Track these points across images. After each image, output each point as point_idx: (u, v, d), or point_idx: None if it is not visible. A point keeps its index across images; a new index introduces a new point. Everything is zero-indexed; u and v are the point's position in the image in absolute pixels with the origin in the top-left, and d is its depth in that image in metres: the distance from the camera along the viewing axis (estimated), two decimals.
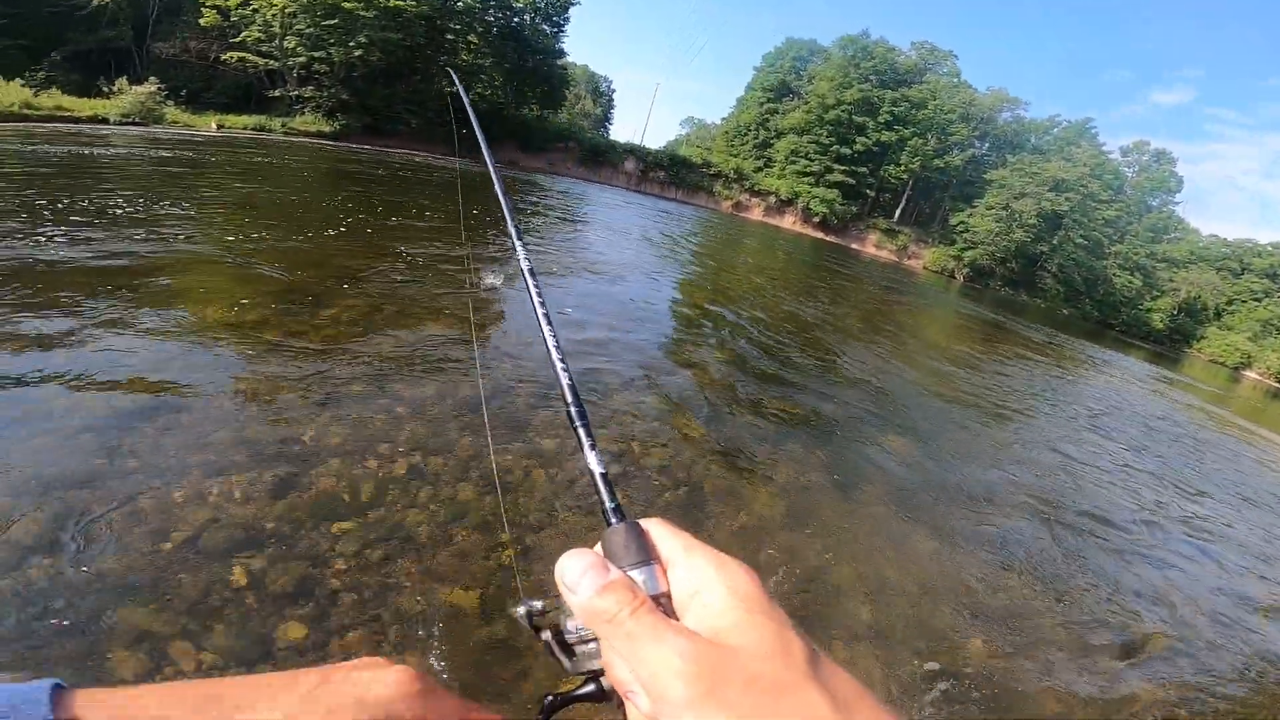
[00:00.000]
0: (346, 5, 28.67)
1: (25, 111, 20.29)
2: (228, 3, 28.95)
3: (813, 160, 51.07)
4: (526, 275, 0.58)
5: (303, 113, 29.83)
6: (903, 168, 51.29)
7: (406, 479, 3.30)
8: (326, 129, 29.27)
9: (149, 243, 6.60)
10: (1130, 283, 52.67)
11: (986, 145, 54.63)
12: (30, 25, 27.95)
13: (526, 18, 41.81)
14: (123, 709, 0.33)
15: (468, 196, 17.59)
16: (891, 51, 52.00)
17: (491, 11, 39.59)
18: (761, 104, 58.47)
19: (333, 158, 22.17)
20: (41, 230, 6.29)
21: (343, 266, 6.99)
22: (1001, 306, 34.92)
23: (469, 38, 38.24)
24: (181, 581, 2.37)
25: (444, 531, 2.98)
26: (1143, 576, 4.75)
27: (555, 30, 43.61)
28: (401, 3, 30.46)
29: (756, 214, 50.61)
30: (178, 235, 7.06)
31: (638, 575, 0.37)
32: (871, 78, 50.69)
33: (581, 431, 0.48)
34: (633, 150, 47.14)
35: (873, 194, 53.38)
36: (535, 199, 20.55)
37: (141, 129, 21.99)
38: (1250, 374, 47.07)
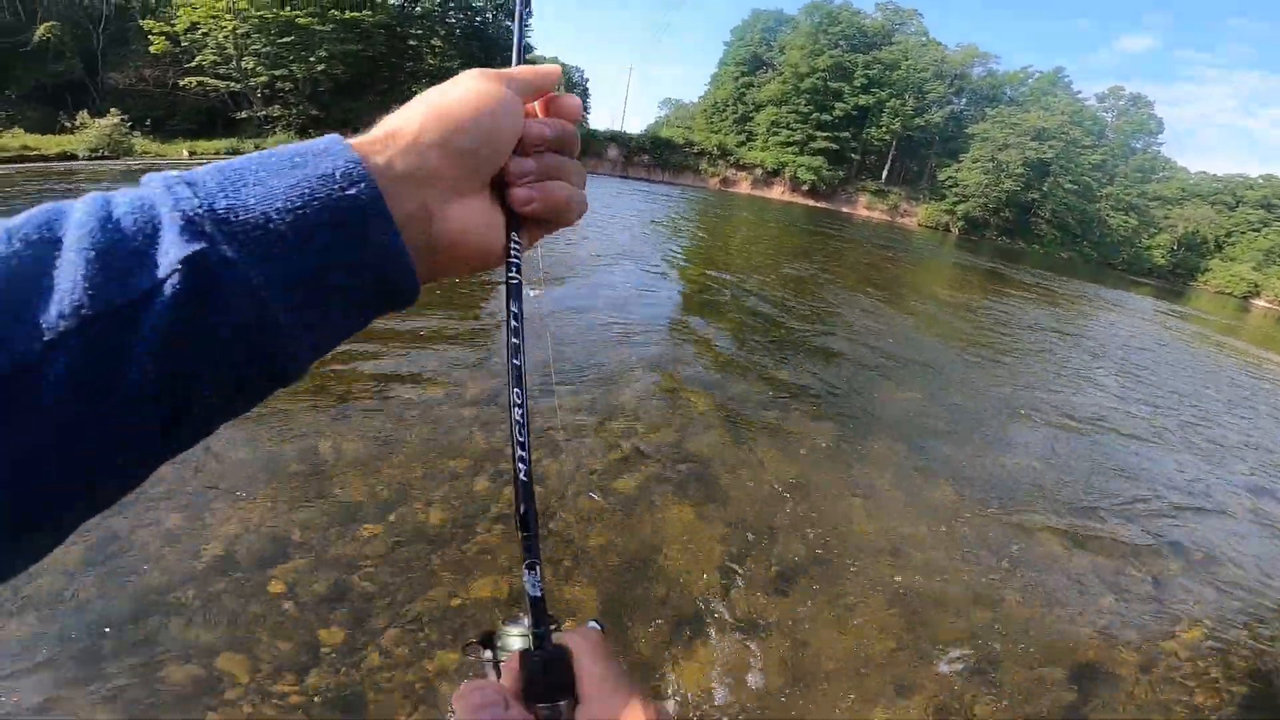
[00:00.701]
0: (301, 21, 28.22)
1: None
2: (176, 28, 28.47)
3: (794, 130, 50.85)
4: (508, 300, 0.44)
5: (274, 132, 29.49)
6: (884, 129, 51.24)
7: (424, 479, 3.35)
8: None
9: None
10: (1126, 222, 53.05)
11: (964, 101, 54.67)
12: None
13: (489, 16, 41.33)
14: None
15: None
16: (857, 15, 52.08)
17: (452, 14, 39.20)
18: (736, 79, 58.15)
19: None
20: None
21: None
22: (999, 255, 34.95)
23: (432, 42, 37.83)
24: (221, 594, 2.43)
25: (467, 528, 3.03)
26: (1173, 503, 4.81)
27: (521, 26, 43.48)
28: (358, 14, 30.02)
29: (744, 188, 50.42)
30: None
31: (545, 713, 0.37)
32: (841, 43, 50.60)
33: (526, 543, 0.42)
34: (614, 137, 46.79)
35: (858, 157, 53.24)
36: None
37: (113, 162, 21.84)
38: (1259, 302, 47.34)
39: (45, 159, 20.93)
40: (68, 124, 23.71)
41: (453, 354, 5.16)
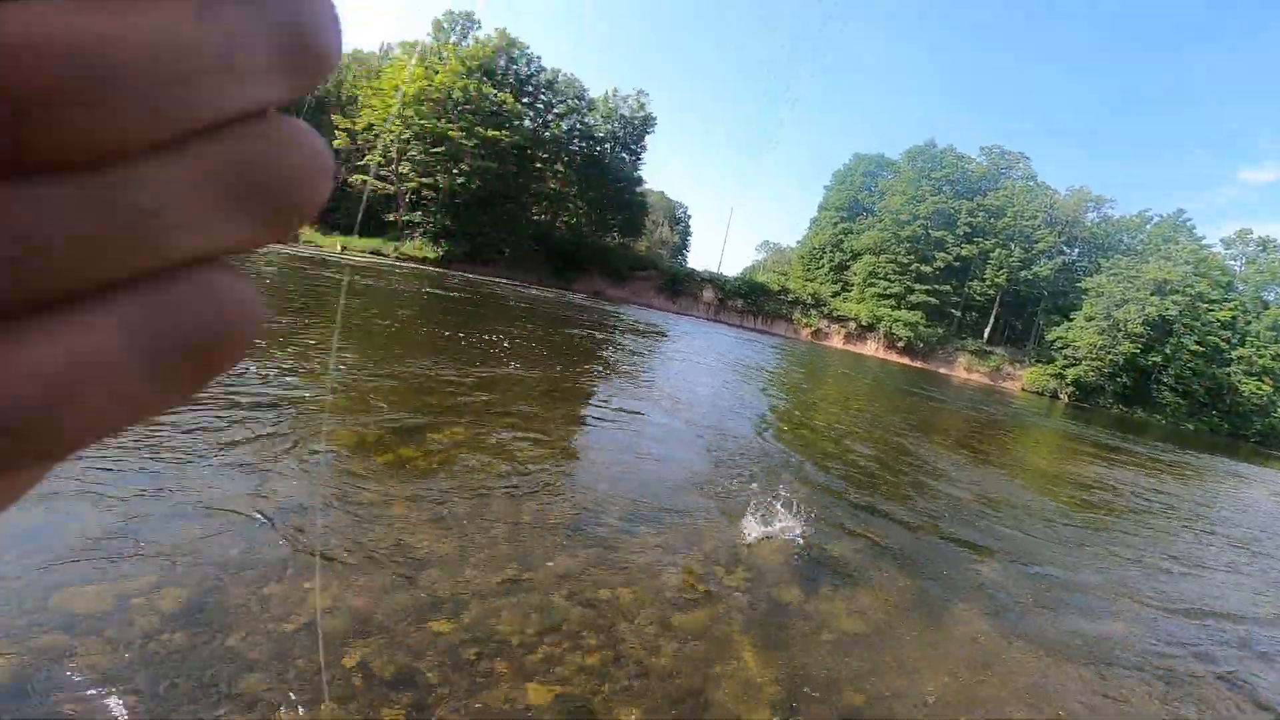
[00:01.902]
0: (452, 134, 32.22)
1: None
2: (357, 126, 33.19)
3: (892, 281, 49.28)
4: None
5: (412, 237, 32.97)
6: (988, 282, 48.92)
7: (501, 588, 3.44)
8: (431, 255, 32.06)
9: (280, 363, 7.43)
10: (1260, 389, 46.44)
11: (1076, 251, 51.25)
12: None
13: (607, 146, 44.57)
14: None
15: (555, 326, 18.71)
16: (961, 159, 50.51)
17: (576, 141, 42.89)
18: (835, 224, 58.02)
19: (436, 284, 24.26)
20: None
21: (444, 393, 7.56)
22: (1115, 425, 32.12)
23: (555, 166, 41.33)
24: (298, 661, 2.51)
25: (534, 637, 3.06)
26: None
27: (634, 158, 46.11)
28: (498, 133, 33.92)
29: (837, 341, 48.49)
30: (306, 353, 7.97)
31: None
32: (945, 189, 49.57)
33: None
34: (711, 279, 47.31)
35: (958, 313, 50.57)
36: (617, 330, 21.61)
37: (281, 247, 25.12)
38: None
39: None
40: None
41: (539, 476, 5.38)
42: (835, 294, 52.38)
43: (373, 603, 3.03)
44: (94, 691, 2.16)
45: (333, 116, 34.98)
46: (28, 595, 2.56)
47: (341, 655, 2.61)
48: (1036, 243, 48.37)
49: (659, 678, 2.99)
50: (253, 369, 6.83)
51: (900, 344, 47.06)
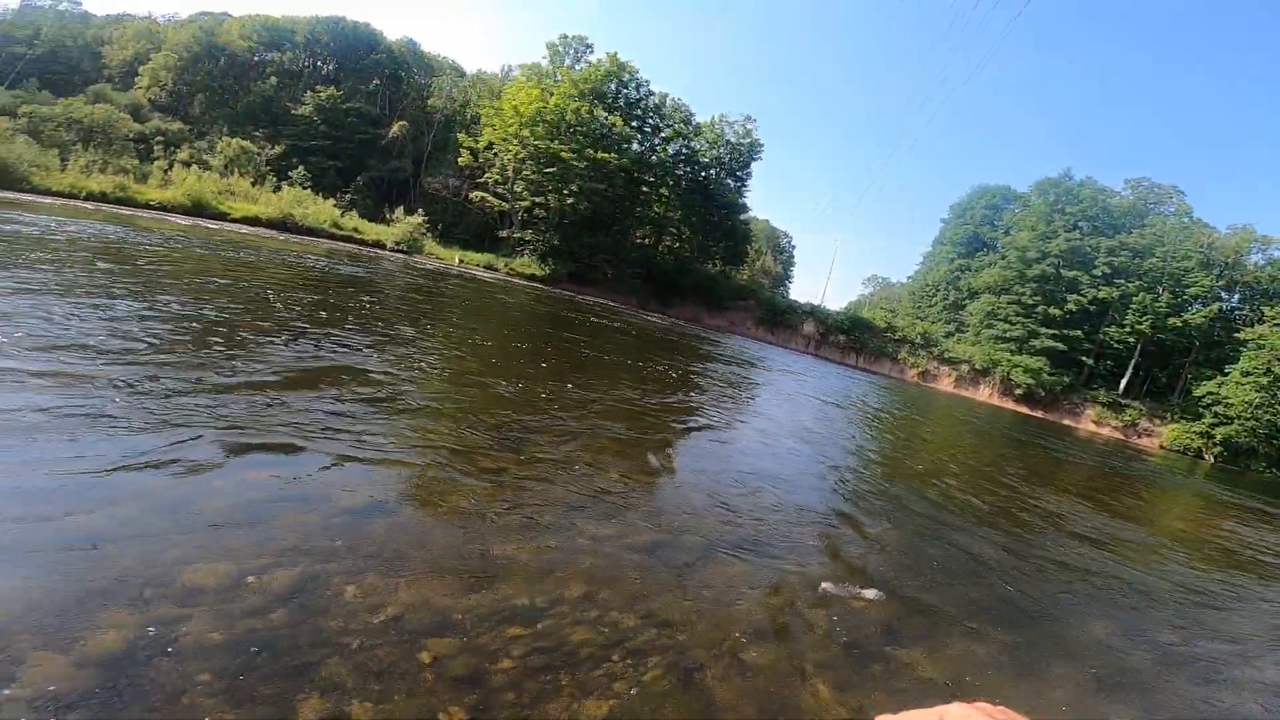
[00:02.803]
0: (564, 155, 33.46)
1: (331, 230, 26.29)
2: (479, 144, 35.29)
3: (1013, 324, 44.32)
4: None
5: (522, 255, 34.57)
6: (1128, 329, 42.45)
7: (576, 601, 3.48)
8: (539, 272, 33.40)
9: (396, 367, 7.99)
10: None
11: (1236, 296, 43.95)
12: (345, 149, 36.70)
13: (712, 172, 44.32)
14: None
15: (653, 350, 18.91)
16: (1103, 193, 45.16)
17: (682, 165, 42.93)
18: (951, 260, 54.06)
19: (542, 300, 25.30)
20: (333, 335, 7.96)
21: (542, 408, 7.81)
22: (1267, 491, 27.80)
23: (661, 190, 41.68)
24: (378, 651, 2.65)
25: (602, 652, 3.07)
26: None
27: (739, 185, 45.64)
28: (607, 155, 34.81)
29: (946, 384, 44.46)
30: (426, 358, 8.52)
31: None
32: (1081, 225, 43.91)
33: None
34: (812, 312, 45.03)
35: (1090, 361, 44.36)
36: (714, 358, 21.35)
37: (405, 256, 27.08)
38: None
39: (364, 243, 26.98)
40: (388, 216, 30.40)
41: (625, 497, 5.43)
42: (948, 334, 48.23)
43: (454, 602, 3.15)
44: (190, 664, 2.36)
45: (458, 135, 37.43)
46: (158, 568, 2.85)
47: (419, 650, 2.73)
48: (1188, 287, 41.61)
49: (721, 708, 2.93)
50: (374, 367, 7.42)
51: (1018, 391, 42.50)
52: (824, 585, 4.60)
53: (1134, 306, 42.21)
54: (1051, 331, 42.95)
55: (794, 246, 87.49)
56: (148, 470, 3.72)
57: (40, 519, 3.01)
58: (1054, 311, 43.28)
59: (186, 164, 26.97)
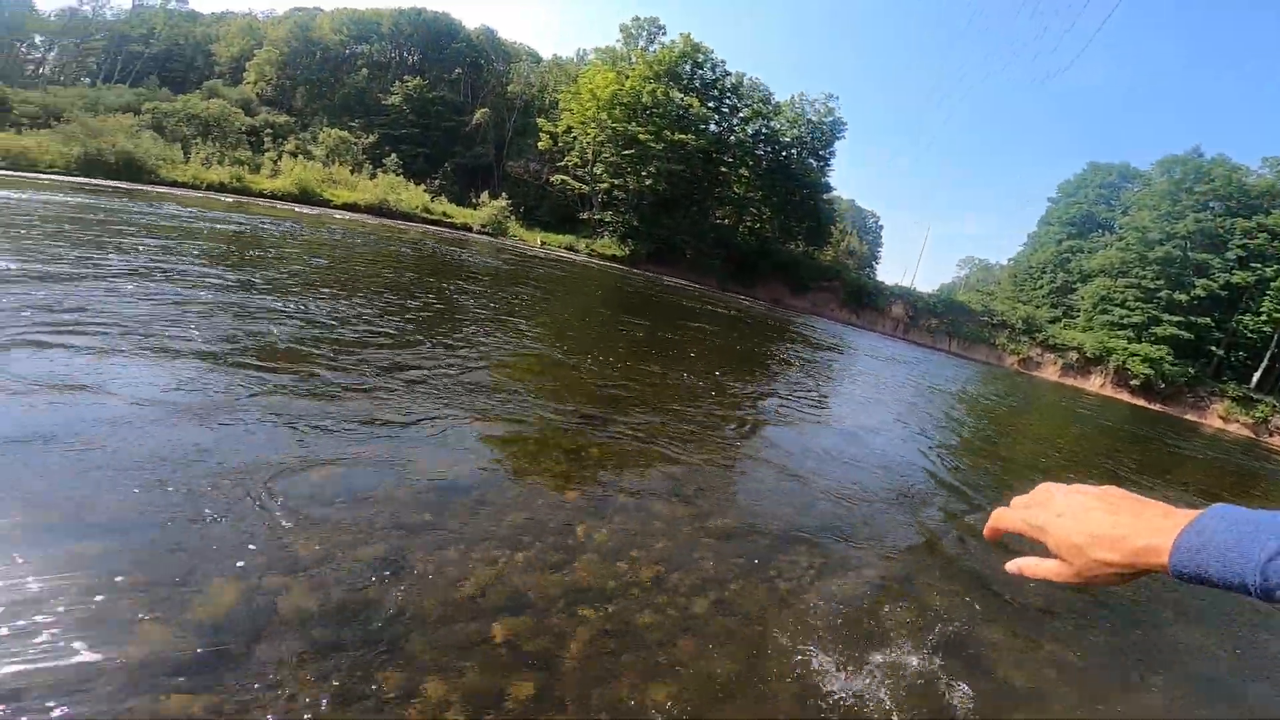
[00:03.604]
0: (642, 137, 33.30)
1: (422, 214, 27.68)
2: (557, 128, 35.78)
3: (1132, 309, 40.10)
4: None
5: (602, 236, 34.89)
6: (1264, 317, 37.95)
7: (649, 585, 3.48)
8: (619, 253, 33.60)
9: (482, 347, 8.25)
10: None
11: None
12: (432, 137, 38.26)
13: (793, 151, 42.78)
14: None
15: (734, 331, 18.63)
16: (1236, 171, 40.07)
17: (761, 146, 41.73)
18: (1060, 241, 49.59)
19: (623, 280, 25.48)
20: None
21: (623, 388, 7.87)
22: None
23: (741, 171, 40.76)
24: (455, 626, 2.74)
25: (671, 637, 3.05)
26: None
27: (821, 165, 43.93)
28: (684, 137, 34.37)
29: (1050, 373, 40.79)
30: (513, 337, 8.83)
31: None
32: (1212, 204, 39.34)
33: None
34: (901, 294, 43.11)
35: (1220, 352, 39.75)
36: (798, 340, 20.76)
37: (491, 238, 28.03)
38: None
39: (453, 226, 28.21)
40: (474, 201, 31.55)
41: (703, 480, 5.37)
42: (1054, 320, 44.50)
43: (530, 581, 3.22)
44: (287, 634, 2.50)
45: (538, 120, 38.07)
46: (253, 537, 3.06)
47: (493, 626, 2.81)
48: None
49: (789, 699, 2.85)
50: (466, 347, 7.74)
51: (1134, 382, 38.57)
52: (908, 578, 4.39)
53: (1272, 292, 37.43)
54: (1176, 318, 38.71)
55: (881, 227, 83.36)
56: (256, 447, 4.00)
57: (157, 486, 3.30)
58: (1179, 297, 38.97)
59: (293, 154, 28.88)
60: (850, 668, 3.18)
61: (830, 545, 4.62)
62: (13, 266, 6.91)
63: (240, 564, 2.80)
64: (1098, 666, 3.90)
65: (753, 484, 5.74)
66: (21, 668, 2.05)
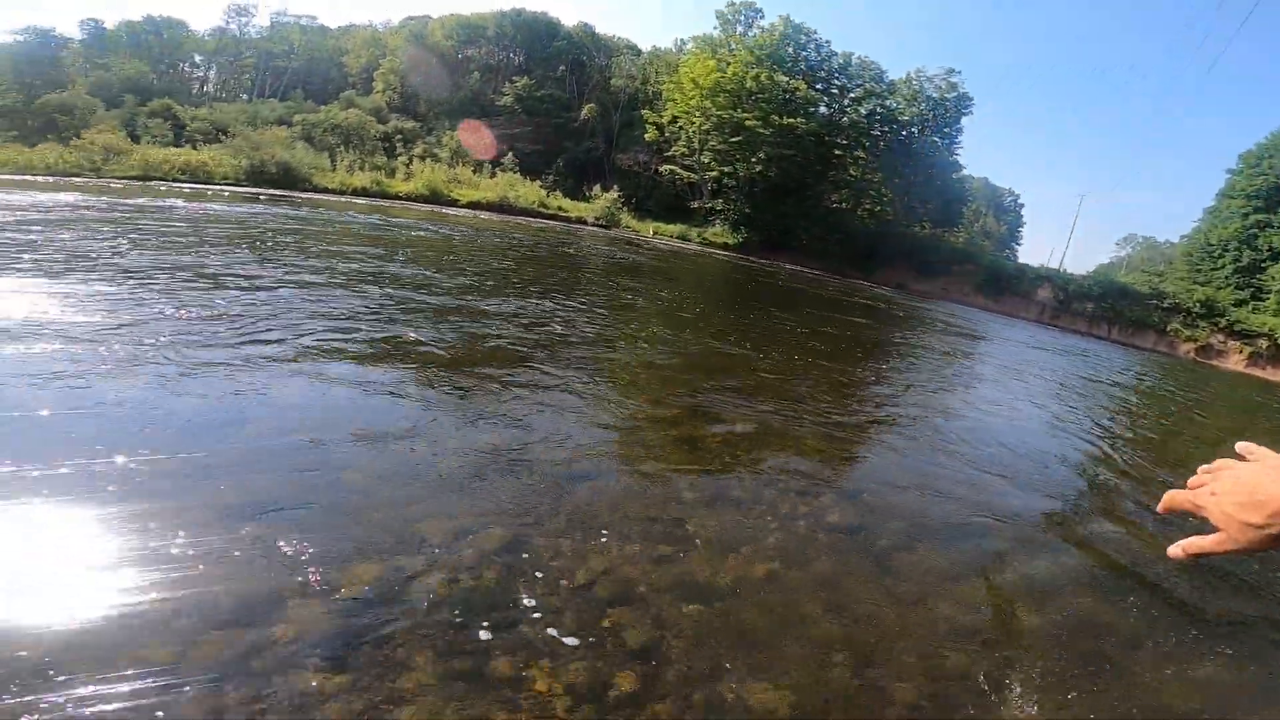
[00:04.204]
0: (749, 124, 32.47)
1: (539, 209, 28.99)
2: (663, 119, 35.78)
3: None
4: None
5: (714, 224, 34.56)
6: None
7: (760, 581, 3.40)
8: (731, 241, 33.10)
9: (600, 335, 8.49)
10: None
11: None
12: (546, 133, 39.71)
13: (914, 130, 39.94)
14: None
15: (856, 318, 17.83)
16: None
17: (877, 126, 39.23)
18: (1245, 215, 42.55)
19: (737, 268, 25.19)
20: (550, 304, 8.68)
21: (739, 377, 7.76)
22: None
23: (856, 153, 38.65)
24: (565, 615, 2.81)
25: (779, 638, 2.96)
26: None
27: (947, 142, 40.84)
28: (794, 120, 33.05)
29: (1235, 362, 35.00)
30: (622, 327, 9.16)
31: None
32: None
33: None
34: (1048, 276, 38.72)
35: None
36: (927, 328, 19.27)
37: (605, 230, 28.80)
38: None
39: (568, 220, 29.30)
40: (587, 194, 32.52)
41: (821, 474, 5.20)
42: (1238, 303, 38.23)
43: (640, 573, 3.25)
44: (418, 614, 2.65)
45: (642, 111, 38.31)
46: (393, 521, 3.29)
47: (602, 617, 2.85)
48: None
49: (904, 708, 2.68)
50: (586, 335, 7.97)
51: None
52: (1048, 584, 4.01)
53: None
54: None
55: (1021, 205, 75.53)
56: (398, 436, 4.32)
57: (319, 470, 3.65)
58: None
59: (422, 158, 31.04)
60: (969, 685, 2.92)
61: (960, 547, 4.30)
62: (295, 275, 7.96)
63: (377, 545, 3.03)
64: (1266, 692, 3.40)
65: (878, 477, 5.48)
66: (177, 648, 2.26)
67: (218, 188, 18.73)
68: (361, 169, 26.73)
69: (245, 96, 49.43)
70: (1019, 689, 2.94)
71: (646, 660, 2.65)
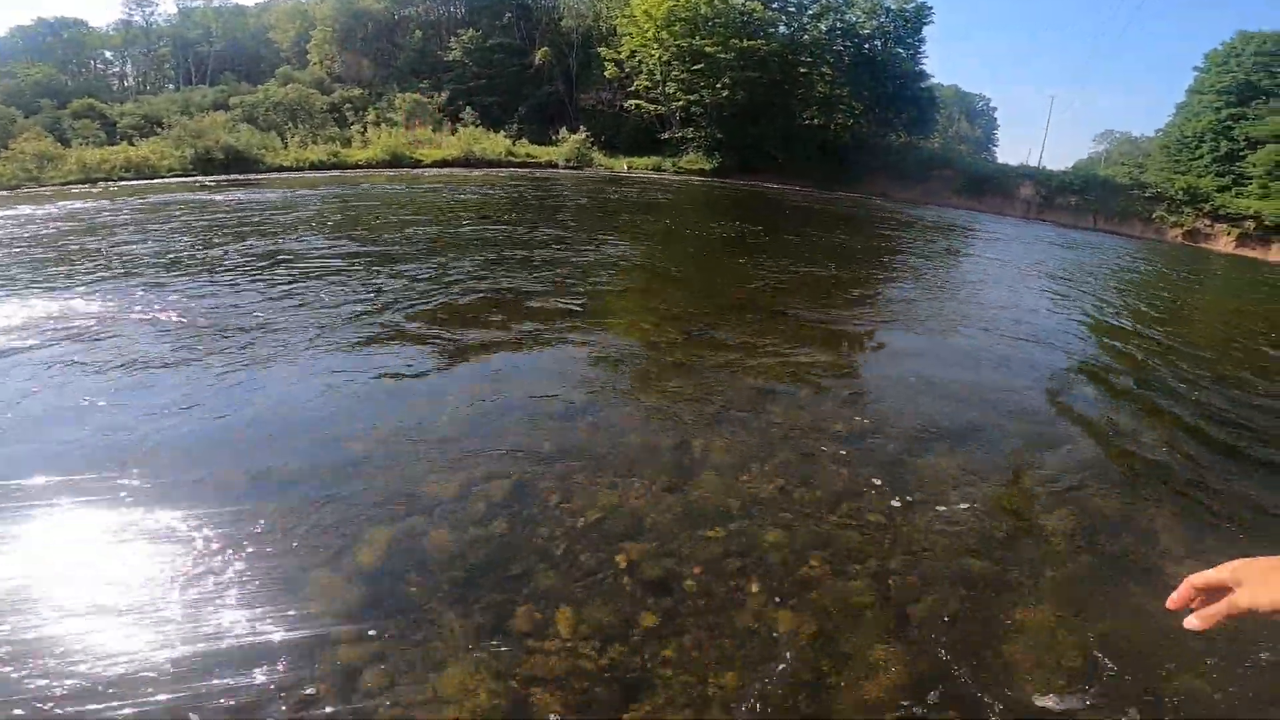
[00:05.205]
0: (709, 50, 31.87)
1: (508, 158, 28.34)
2: (621, 54, 34.97)
3: None
4: None
5: (687, 152, 34.11)
6: None
7: (772, 500, 3.33)
8: (707, 166, 32.80)
9: (587, 269, 8.28)
10: None
11: None
12: (502, 83, 38.55)
13: (877, 43, 39.84)
14: None
15: (839, 228, 17.59)
16: None
17: (839, 41, 38.90)
18: (1216, 110, 43.60)
19: (716, 192, 24.85)
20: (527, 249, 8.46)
21: (728, 296, 7.65)
22: None
23: (821, 69, 38.35)
24: (580, 556, 2.76)
25: (796, 557, 2.90)
26: None
27: (911, 53, 40.76)
28: (754, 43, 32.49)
29: (1223, 245, 35.70)
30: (606, 259, 8.87)
31: None
32: None
33: None
34: (1029, 174, 39.21)
35: None
36: (910, 231, 18.65)
37: (577, 170, 28.30)
38: None
39: (537, 165, 28.60)
40: (553, 138, 31.77)
41: (822, 383, 5.12)
42: (1222, 189, 39.34)
43: (649, 504, 3.18)
44: (433, 574, 2.60)
45: (599, 50, 37.15)
46: (400, 482, 3.20)
47: (616, 554, 2.79)
48: None
49: (923, 625, 2.61)
50: (569, 270, 7.64)
51: None
52: (1066, 480, 3.94)
53: None
54: None
55: (994, 108, 75.40)
56: (394, 395, 4.24)
57: (323, 440, 3.57)
58: None
59: (376, 124, 29.81)
60: (991, 589, 2.89)
61: (972, 448, 4.21)
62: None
63: (387, 509, 2.96)
64: None
65: (879, 383, 5.39)
66: (207, 630, 2.23)
67: (170, 180, 17.94)
68: (315, 142, 25.64)
69: (171, 86, 47.03)
70: (1042, 594, 2.88)
71: (666, 593, 2.60)
